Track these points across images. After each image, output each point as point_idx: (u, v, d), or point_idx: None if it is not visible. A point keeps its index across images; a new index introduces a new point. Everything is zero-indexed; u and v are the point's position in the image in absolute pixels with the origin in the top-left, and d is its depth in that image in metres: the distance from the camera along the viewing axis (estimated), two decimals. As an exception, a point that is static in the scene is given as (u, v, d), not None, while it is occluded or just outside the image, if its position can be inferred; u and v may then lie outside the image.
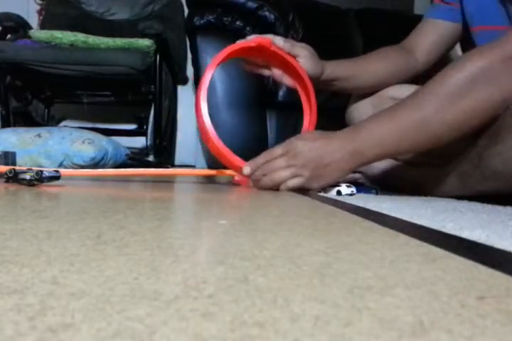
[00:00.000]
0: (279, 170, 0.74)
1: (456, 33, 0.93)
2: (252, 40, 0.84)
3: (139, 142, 2.08)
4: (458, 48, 1.43)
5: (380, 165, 0.95)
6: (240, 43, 0.84)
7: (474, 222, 0.46)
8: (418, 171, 0.87)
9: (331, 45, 1.32)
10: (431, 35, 0.94)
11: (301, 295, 0.20)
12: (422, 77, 0.97)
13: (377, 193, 0.83)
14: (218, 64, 0.83)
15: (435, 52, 0.95)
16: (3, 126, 1.68)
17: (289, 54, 0.85)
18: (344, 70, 0.90)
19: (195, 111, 0.82)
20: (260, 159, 0.76)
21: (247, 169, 0.76)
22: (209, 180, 1.13)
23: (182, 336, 0.15)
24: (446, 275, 0.24)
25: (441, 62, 0.97)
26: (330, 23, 1.87)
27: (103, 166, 1.34)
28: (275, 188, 0.76)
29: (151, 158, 1.88)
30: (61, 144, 1.27)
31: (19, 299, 0.18)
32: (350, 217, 0.49)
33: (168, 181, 1.03)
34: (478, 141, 0.71)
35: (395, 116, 0.69)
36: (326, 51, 0.91)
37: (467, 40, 0.89)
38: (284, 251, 0.29)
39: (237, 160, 0.81)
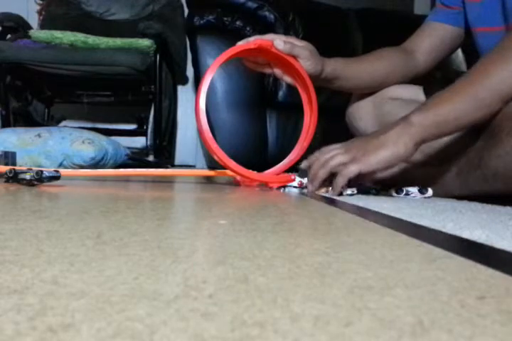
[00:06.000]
0: (334, 157, 0.72)
1: (456, 36, 0.93)
2: (253, 41, 0.84)
3: (139, 142, 2.08)
4: (459, 51, 1.43)
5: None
6: (241, 45, 0.84)
7: (474, 222, 0.46)
8: (418, 171, 0.87)
9: (331, 45, 1.31)
10: (431, 37, 0.95)
11: (301, 295, 0.20)
12: (423, 78, 0.97)
13: (377, 193, 0.82)
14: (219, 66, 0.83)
15: (435, 55, 0.96)
16: (3, 126, 1.68)
17: (289, 55, 0.85)
18: (344, 70, 0.90)
19: (195, 114, 0.82)
20: (316, 153, 0.76)
21: (304, 163, 0.77)
22: (209, 180, 1.13)
23: (182, 336, 0.15)
24: (446, 275, 0.24)
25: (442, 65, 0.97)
26: (330, 23, 1.87)
27: (103, 166, 1.34)
28: (331, 185, 0.73)
29: (151, 158, 1.88)
30: (61, 144, 1.27)
31: (19, 299, 0.18)
32: (350, 217, 0.49)
33: (168, 181, 1.03)
34: (477, 141, 0.71)
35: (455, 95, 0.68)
36: (326, 51, 0.91)
37: (470, 43, 0.89)
38: (284, 251, 0.29)
39: (233, 164, 0.82)
